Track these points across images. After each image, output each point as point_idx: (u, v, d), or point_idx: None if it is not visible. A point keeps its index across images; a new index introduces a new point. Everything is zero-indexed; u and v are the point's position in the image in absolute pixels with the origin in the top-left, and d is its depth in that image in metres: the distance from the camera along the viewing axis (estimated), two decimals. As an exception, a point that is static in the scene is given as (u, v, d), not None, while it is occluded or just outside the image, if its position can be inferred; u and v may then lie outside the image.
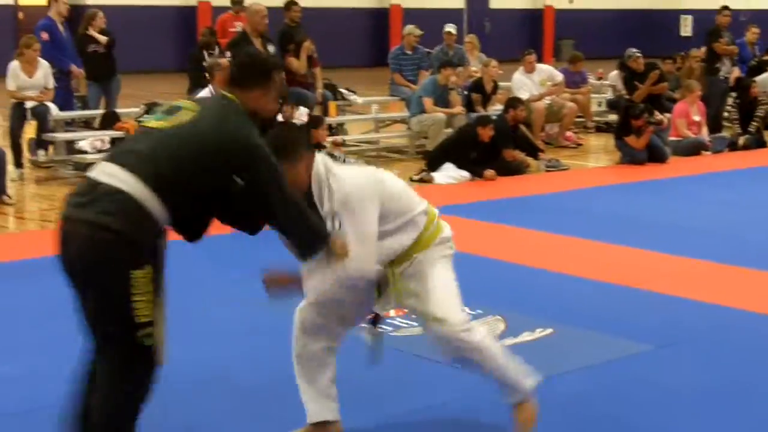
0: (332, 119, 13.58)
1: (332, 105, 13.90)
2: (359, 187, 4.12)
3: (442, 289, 4.30)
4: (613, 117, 15.74)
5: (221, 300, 6.52)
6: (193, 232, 3.91)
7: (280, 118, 11.30)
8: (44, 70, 11.84)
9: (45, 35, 12.41)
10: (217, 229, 3.99)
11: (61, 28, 12.65)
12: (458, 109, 13.43)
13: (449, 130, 12.90)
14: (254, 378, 5.16)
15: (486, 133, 11.58)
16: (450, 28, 15.07)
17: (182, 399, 4.82)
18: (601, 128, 16.05)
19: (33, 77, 11.72)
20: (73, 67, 12.50)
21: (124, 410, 3.72)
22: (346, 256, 4.02)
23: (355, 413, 4.50)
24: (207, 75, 9.80)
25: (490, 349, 4.34)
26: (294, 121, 12.03)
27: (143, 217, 3.58)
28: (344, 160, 4.54)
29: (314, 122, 11.26)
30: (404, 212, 4.24)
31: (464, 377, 5.16)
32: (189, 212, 3.76)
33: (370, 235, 4.09)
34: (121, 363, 3.67)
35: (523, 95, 13.96)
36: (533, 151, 12.61)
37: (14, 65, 11.75)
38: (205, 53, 13.78)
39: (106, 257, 3.55)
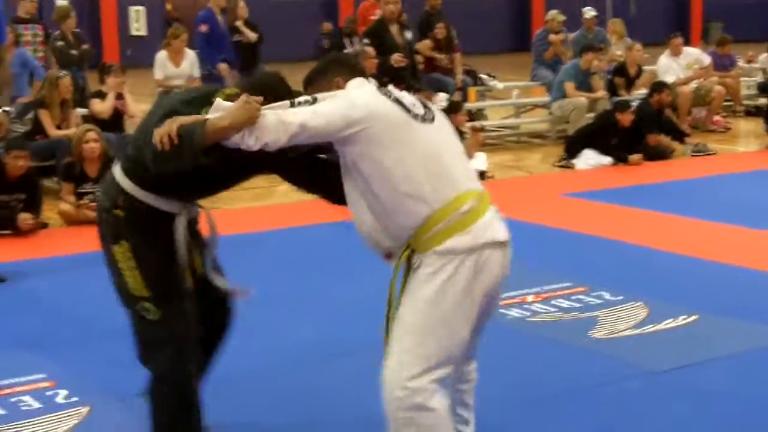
0: (472, 105, 13.51)
1: (472, 90, 13.81)
2: (363, 97, 3.39)
3: (406, 325, 3.36)
4: (763, 101, 15.27)
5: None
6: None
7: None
8: (191, 60, 12.09)
9: (204, 27, 12.62)
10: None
11: (219, 19, 12.85)
12: (600, 93, 13.21)
13: (591, 115, 12.71)
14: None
15: (625, 119, 11.38)
16: (590, 12, 14.84)
17: (323, 370, 4.87)
18: (751, 112, 15.58)
19: (180, 67, 11.98)
20: (220, 67, 12.60)
21: (155, 384, 3.76)
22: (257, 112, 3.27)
23: (492, 398, 4.45)
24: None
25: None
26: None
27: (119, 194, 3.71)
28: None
29: (453, 108, 11.21)
30: (413, 180, 3.34)
31: (603, 362, 5.08)
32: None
33: (301, 124, 3.26)
34: (136, 337, 3.79)
35: (669, 79, 13.64)
36: (679, 136, 12.34)
37: (161, 55, 12.05)
38: (347, 41, 13.89)
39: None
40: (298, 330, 5.59)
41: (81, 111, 10.69)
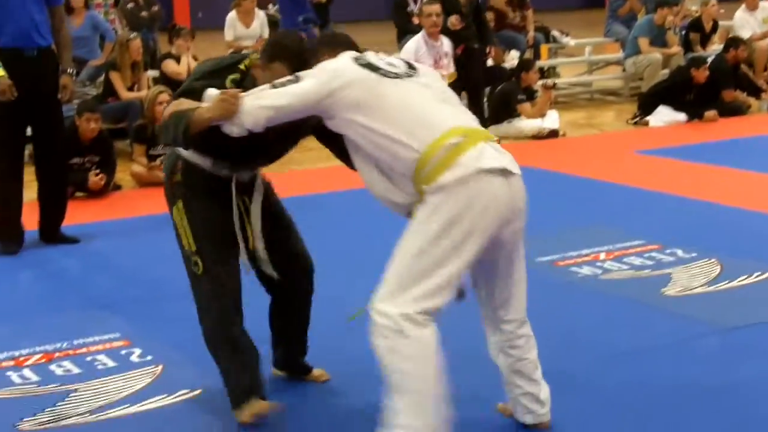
0: (544, 62, 13.36)
1: (544, 48, 13.66)
2: (331, 68, 3.54)
3: (395, 258, 3.42)
4: (843, 54, 14.84)
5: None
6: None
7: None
8: (261, 21, 12.10)
9: None
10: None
11: None
12: (675, 49, 12.99)
13: (666, 71, 12.50)
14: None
15: (701, 75, 11.18)
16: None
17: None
18: (831, 67, 15.17)
19: (250, 27, 12.00)
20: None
21: (206, 334, 3.97)
22: (233, 107, 3.48)
23: (565, 356, 4.42)
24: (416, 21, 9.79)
25: (392, 367, 3.35)
26: (504, 65, 11.92)
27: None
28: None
29: (525, 65, 11.10)
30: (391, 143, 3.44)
31: (676, 320, 5.01)
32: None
33: (276, 106, 3.47)
34: (192, 289, 3.98)
35: (745, 34, 13.33)
36: (755, 91, 12.10)
37: (231, 16, 12.07)
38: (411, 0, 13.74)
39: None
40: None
41: (152, 73, 10.77)
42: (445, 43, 9.80)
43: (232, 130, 3.54)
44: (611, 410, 4.03)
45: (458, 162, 3.36)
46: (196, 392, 4.26)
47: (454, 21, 10.10)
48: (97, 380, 4.43)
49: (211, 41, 15.87)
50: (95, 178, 8.09)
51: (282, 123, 3.57)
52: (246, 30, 11.95)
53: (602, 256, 6.09)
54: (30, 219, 6.73)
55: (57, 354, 4.70)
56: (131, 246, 6.74)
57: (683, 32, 13.67)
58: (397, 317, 3.32)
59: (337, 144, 3.77)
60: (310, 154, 8.32)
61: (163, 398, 4.22)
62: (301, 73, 3.55)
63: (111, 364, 4.62)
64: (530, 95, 10.85)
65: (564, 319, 4.89)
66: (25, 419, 4.03)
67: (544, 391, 3.79)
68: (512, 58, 12.33)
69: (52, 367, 4.60)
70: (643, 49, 12.74)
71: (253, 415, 3.87)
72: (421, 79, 3.60)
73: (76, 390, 4.32)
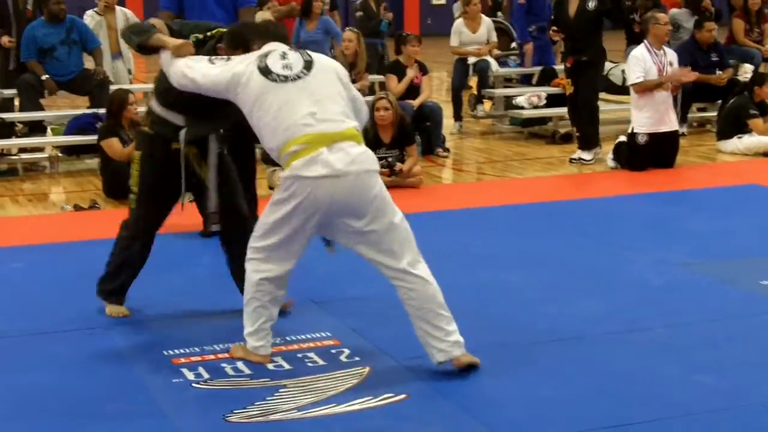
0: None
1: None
2: (234, 69, 4.54)
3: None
4: None
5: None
6: None
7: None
8: (487, 25, 12.13)
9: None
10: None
11: None
12: None
13: None
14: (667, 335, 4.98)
15: None
16: None
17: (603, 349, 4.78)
18: None
19: (476, 33, 12.03)
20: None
21: (121, 235, 5.44)
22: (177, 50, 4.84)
23: None
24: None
25: (247, 285, 4.63)
26: (738, 77, 11.49)
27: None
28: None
29: (758, 79, 10.66)
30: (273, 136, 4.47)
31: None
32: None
33: (192, 78, 4.68)
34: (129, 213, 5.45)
35: None
36: None
37: (458, 22, 12.18)
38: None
39: None
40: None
41: (378, 77, 10.90)
42: (668, 53, 9.53)
43: (166, 70, 4.89)
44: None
45: (292, 166, 4.37)
46: (401, 397, 4.28)
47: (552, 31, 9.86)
48: (306, 378, 4.52)
49: (439, 47, 16.03)
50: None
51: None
52: (472, 35, 12.01)
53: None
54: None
55: (271, 349, 4.81)
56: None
57: None
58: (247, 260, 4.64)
59: None
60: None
61: (367, 400, 4.25)
62: (229, 62, 4.63)
63: (320, 362, 4.71)
64: (764, 110, 10.39)
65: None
66: (235, 411, 4.15)
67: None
68: (746, 72, 11.87)
69: (265, 361, 4.73)
70: None
71: (111, 314, 5.33)
72: (307, 80, 4.49)
73: (285, 386, 4.42)
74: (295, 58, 4.57)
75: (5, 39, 10.53)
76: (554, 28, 9.88)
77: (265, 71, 4.49)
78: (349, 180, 4.38)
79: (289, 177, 4.39)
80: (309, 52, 4.71)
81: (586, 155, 9.72)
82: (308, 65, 4.56)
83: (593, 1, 9.45)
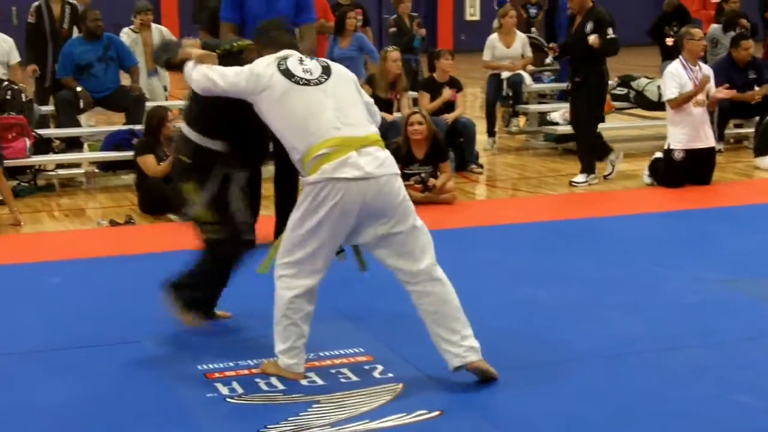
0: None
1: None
2: (256, 70, 4.60)
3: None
4: None
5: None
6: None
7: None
8: (522, 40, 12.08)
9: None
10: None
11: None
12: None
13: None
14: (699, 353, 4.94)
15: None
16: None
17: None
18: None
19: (510, 47, 11.99)
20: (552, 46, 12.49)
21: (213, 251, 5.28)
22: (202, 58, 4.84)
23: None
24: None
25: (277, 303, 4.58)
26: None
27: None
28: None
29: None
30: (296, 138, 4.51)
31: None
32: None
33: (215, 82, 4.70)
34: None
35: None
36: None
37: (492, 37, 12.13)
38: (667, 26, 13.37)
39: None
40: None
41: (412, 93, 10.90)
42: (704, 68, 9.47)
43: (190, 76, 4.82)
44: None
45: (321, 169, 4.38)
46: (435, 413, 4.26)
47: (594, 40, 9.36)
48: (339, 393, 4.51)
49: (473, 63, 16.03)
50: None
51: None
52: (506, 50, 11.96)
53: None
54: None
55: (304, 365, 4.81)
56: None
57: None
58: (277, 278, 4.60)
59: None
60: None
61: (401, 417, 4.24)
62: (247, 67, 4.64)
63: (354, 378, 4.70)
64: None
65: None
66: (269, 426, 4.15)
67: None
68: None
69: (298, 377, 4.73)
70: None
71: (188, 323, 5.21)
72: (328, 85, 4.57)
73: (318, 401, 4.42)
74: (313, 64, 4.65)
75: (30, 68, 10.73)
76: (551, 44, 9.76)
77: (288, 73, 4.56)
78: (380, 182, 4.44)
79: (319, 181, 4.39)
80: (323, 59, 4.82)
81: (578, 177, 9.46)
82: (326, 71, 4.65)
83: (591, 23, 9.26)
